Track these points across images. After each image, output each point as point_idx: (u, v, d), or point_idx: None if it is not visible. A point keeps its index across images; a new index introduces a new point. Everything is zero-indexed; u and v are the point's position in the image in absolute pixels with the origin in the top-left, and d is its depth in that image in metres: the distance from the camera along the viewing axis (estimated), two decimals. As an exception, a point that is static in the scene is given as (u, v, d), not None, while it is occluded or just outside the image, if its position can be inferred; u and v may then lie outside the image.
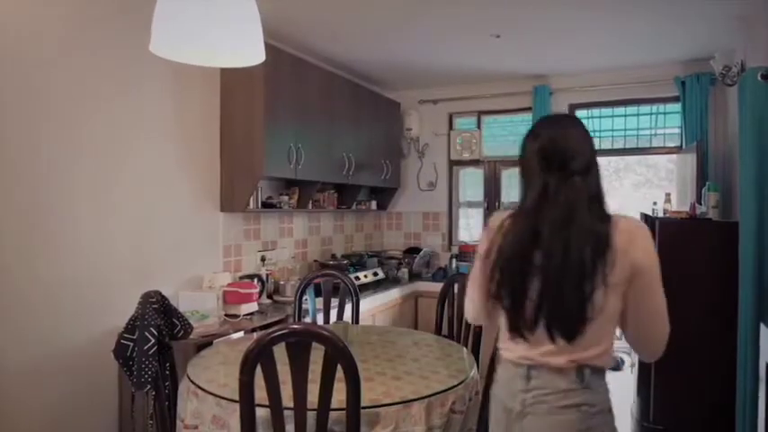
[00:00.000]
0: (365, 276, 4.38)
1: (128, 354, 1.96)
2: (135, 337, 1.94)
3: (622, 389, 4.23)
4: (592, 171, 1.42)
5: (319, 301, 3.17)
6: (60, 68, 2.51)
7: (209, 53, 1.59)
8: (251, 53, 1.55)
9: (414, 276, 4.92)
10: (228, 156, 3.46)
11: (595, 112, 4.90)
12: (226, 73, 3.42)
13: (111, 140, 2.76)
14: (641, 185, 7.83)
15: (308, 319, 3.11)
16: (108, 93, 2.73)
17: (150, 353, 1.90)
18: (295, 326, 1.53)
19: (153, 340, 1.91)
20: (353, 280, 3.17)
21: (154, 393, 1.94)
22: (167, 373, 2.02)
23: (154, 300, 1.99)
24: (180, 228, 3.19)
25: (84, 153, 2.63)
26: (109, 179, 2.75)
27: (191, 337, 2.31)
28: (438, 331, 2.83)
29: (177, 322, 2.13)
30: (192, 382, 1.83)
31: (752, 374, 2.55)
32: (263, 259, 3.81)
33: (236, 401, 1.50)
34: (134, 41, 2.72)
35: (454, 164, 5.40)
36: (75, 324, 2.58)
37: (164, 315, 2.05)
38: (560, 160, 1.41)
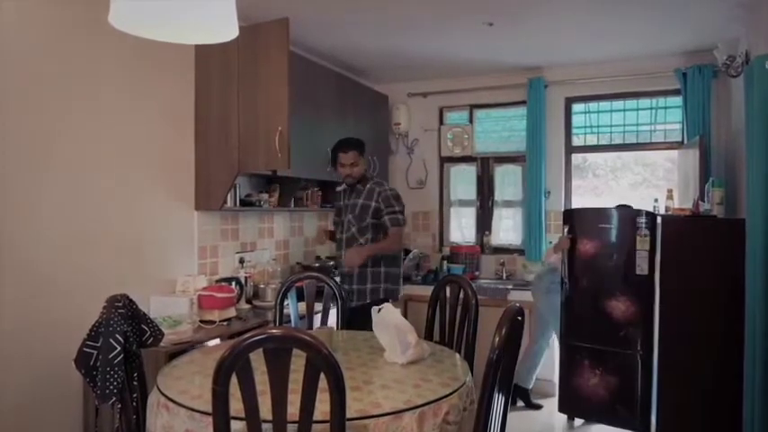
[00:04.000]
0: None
1: (91, 363, 1.87)
2: (99, 345, 1.86)
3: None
4: None
5: (302, 306, 3.11)
6: (12, 50, 2.42)
7: (175, 27, 1.51)
8: (222, 28, 1.47)
9: (403, 279, 4.85)
10: (204, 150, 3.39)
11: (593, 106, 4.90)
12: (201, 59, 3.36)
13: (71, 132, 2.67)
14: (638, 185, 7.89)
15: (289, 325, 3.05)
16: (65, 77, 2.64)
17: (115, 362, 1.82)
18: (274, 330, 1.47)
19: (118, 348, 1.83)
20: (338, 283, 3.12)
21: (120, 406, 1.86)
22: (135, 383, 1.94)
23: (120, 304, 1.91)
24: (151, 227, 3.11)
25: (42, 147, 2.54)
26: (70, 176, 2.67)
27: (162, 344, 2.23)
28: (429, 337, 2.79)
29: (146, 328, 2.05)
30: (162, 393, 1.76)
31: (761, 380, 2.53)
32: (241, 261, 3.74)
33: (210, 414, 1.44)
34: (93, 10, 2.60)
35: (445, 160, 5.36)
36: (36, 331, 2.49)
37: (131, 320, 1.97)
38: None
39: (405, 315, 4.73)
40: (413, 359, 2.12)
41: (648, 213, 3.54)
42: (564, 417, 4.01)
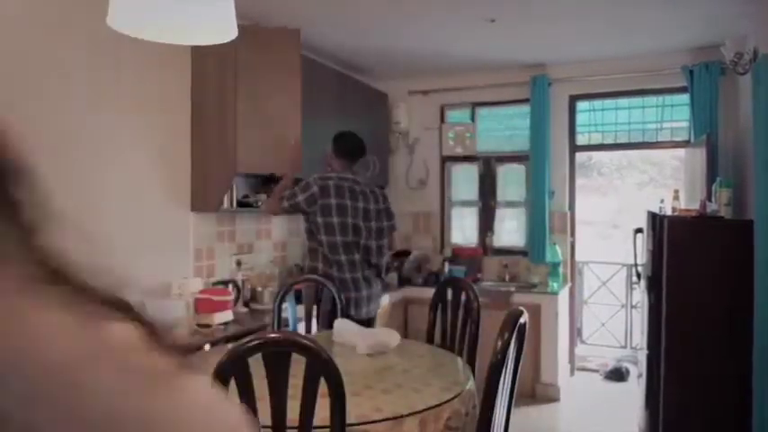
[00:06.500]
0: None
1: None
2: (94, 350, 1.86)
3: (628, 401, 4.23)
4: None
5: (300, 309, 3.12)
6: (5, 47, 2.44)
7: (174, 28, 1.53)
8: (222, 28, 1.49)
9: (403, 282, 4.88)
10: (200, 149, 3.40)
11: (597, 104, 4.91)
12: (197, 57, 3.37)
13: (64, 131, 2.68)
14: (645, 184, 7.90)
15: (287, 329, 3.06)
16: (60, 74, 2.65)
17: (111, 367, 1.83)
18: (273, 334, 1.49)
19: (114, 353, 1.84)
20: (338, 286, 3.12)
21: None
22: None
23: (115, 308, 1.92)
24: (146, 229, 3.12)
25: (37, 147, 2.55)
26: (65, 176, 2.68)
27: (157, 349, 2.24)
28: (430, 340, 2.80)
29: (142, 333, 2.06)
30: (158, 398, 1.77)
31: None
32: (238, 263, 3.74)
33: (207, 420, 1.45)
34: (90, 14, 2.63)
35: (446, 160, 5.37)
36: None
37: (126, 325, 1.98)
38: None
39: (405, 318, 4.76)
40: (374, 350, 2.28)
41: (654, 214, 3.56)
42: (567, 420, 4.03)
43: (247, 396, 1.41)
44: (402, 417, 1.65)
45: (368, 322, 3.12)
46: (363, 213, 3.14)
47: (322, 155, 3.98)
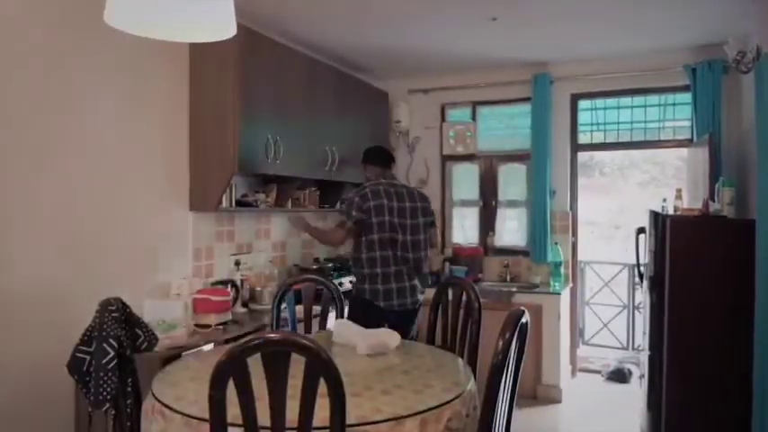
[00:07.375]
0: (350, 282, 4.33)
1: (84, 368, 1.89)
2: (92, 350, 1.87)
3: (630, 402, 4.23)
4: None
5: (300, 310, 3.13)
6: (5, 47, 2.44)
7: (173, 25, 1.53)
8: (221, 26, 1.49)
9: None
10: (198, 149, 3.40)
11: (599, 102, 4.91)
12: (195, 55, 3.37)
13: (61, 131, 2.69)
14: (647, 184, 7.90)
15: (287, 329, 3.07)
16: (60, 74, 2.66)
17: (109, 367, 1.84)
18: (272, 335, 1.48)
19: (112, 353, 1.85)
20: (337, 286, 3.12)
21: (114, 412, 1.88)
22: (129, 389, 1.96)
23: (114, 308, 1.93)
24: (144, 229, 3.12)
25: (29, 146, 2.55)
26: (61, 175, 2.68)
27: (156, 349, 2.25)
28: (431, 341, 2.80)
29: (140, 333, 2.07)
30: (157, 399, 1.77)
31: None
32: (237, 263, 3.75)
33: (206, 420, 1.45)
34: (89, 13, 2.63)
35: (447, 159, 5.37)
36: (26, 336, 2.50)
37: (125, 325, 1.99)
38: None
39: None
40: (374, 350, 2.28)
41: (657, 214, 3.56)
42: (568, 421, 4.03)
43: (246, 396, 1.41)
44: (402, 417, 1.64)
45: (414, 313, 3.39)
46: (398, 211, 3.31)
47: (322, 155, 4.01)
